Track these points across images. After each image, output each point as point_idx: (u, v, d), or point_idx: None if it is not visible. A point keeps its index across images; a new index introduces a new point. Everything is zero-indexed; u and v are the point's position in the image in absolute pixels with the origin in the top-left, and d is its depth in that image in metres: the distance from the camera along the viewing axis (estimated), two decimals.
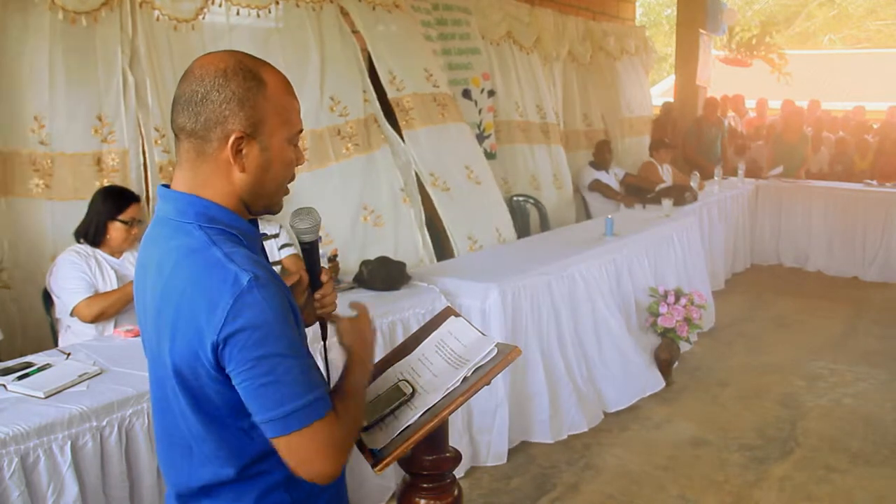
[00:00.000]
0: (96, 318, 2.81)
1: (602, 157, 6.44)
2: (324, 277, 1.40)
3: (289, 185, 1.27)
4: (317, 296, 1.39)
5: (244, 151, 1.16)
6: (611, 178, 6.41)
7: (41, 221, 3.22)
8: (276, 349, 1.10)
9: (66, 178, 3.23)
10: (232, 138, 1.14)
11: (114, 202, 2.92)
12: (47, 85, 3.19)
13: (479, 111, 5.60)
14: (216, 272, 1.10)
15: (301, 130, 1.23)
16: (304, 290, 1.38)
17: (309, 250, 1.38)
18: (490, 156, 5.66)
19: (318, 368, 1.19)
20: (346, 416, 1.19)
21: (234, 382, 1.12)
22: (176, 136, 1.20)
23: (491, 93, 5.71)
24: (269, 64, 1.20)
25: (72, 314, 2.83)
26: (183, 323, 1.12)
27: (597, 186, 6.32)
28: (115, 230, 2.92)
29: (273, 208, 1.26)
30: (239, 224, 1.20)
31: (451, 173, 4.64)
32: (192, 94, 1.14)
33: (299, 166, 1.27)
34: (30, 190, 3.19)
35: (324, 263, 3.15)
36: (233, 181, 1.18)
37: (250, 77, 1.15)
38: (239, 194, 1.19)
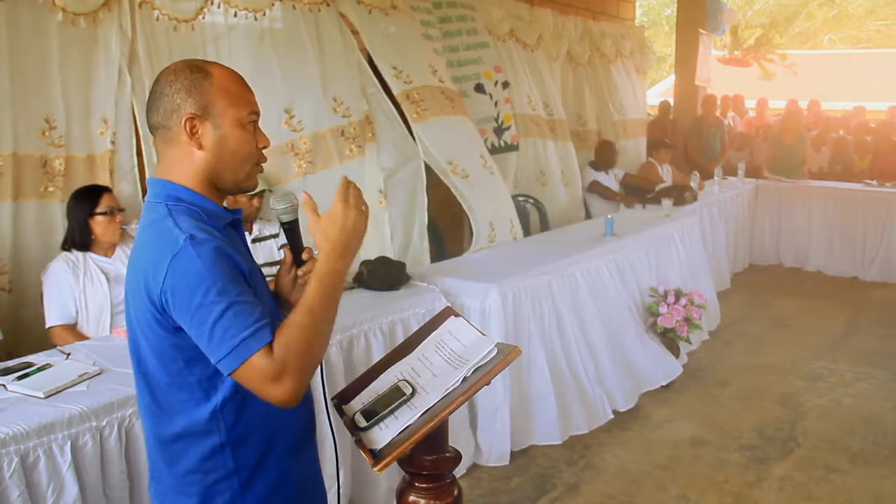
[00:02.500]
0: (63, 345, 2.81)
1: (603, 157, 6.40)
2: (305, 255, 1.50)
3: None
4: (299, 272, 1.51)
5: (199, 131, 1.33)
6: (610, 179, 6.39)
7: (53, 223, 3.22)
8: (210, 298, 1.22)
9: (79, 180, 3.23)
10: (184, 119, 1.32)
11: (86, 200, 2.94)
12: (58, 87, 3.18)
13: (496, 103, 5.52)
14: (163, 237, 1.27)
15: (254, 113, 1.37)
16: (289, 268, 1.50)
17: (289, 230, 1.49)
18: (511, 147, 5.61)
19: (259, 306, 1.26)
20: (283, 344, 1.24)
21: (187, 333, 1.26)
22: (151, 134, 1.39)
23: (506, 84, 5.64)
24: (218, 63, 1.39)
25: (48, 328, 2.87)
26: (139, 285, 1.29)
27: (595, 188, 6.30)
28: (99, 224, 2.93)
29: (243, 185, 1.40)
30: (203, 203, 1.35)
31: (468, 161, 4.57)
32: (154, 94, 1.36)
33: (266, 148, 1.41)
34: (41, 192, 3.19)
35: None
36: (195, 160, 1.34)
37: (196, 70, 1.34)
38: (203, 172, 1.35)
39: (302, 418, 1.46)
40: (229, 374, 1.25)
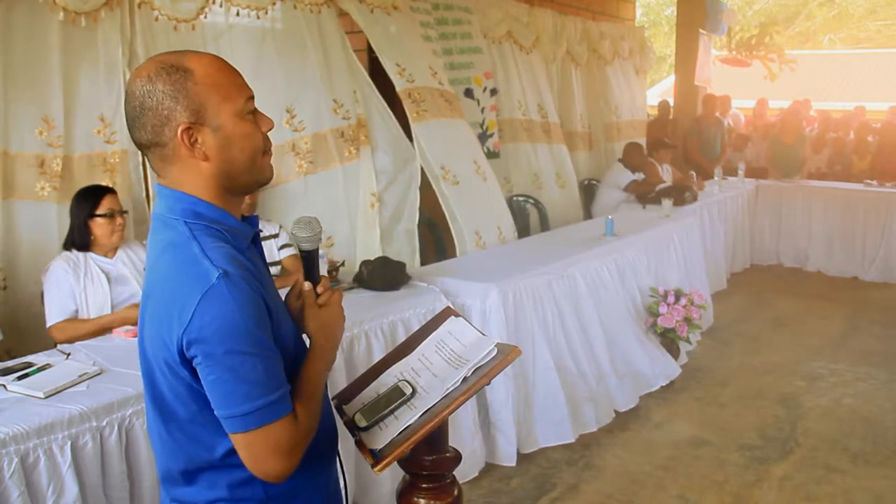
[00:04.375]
0: (66, 342, 2.78)
1: (633, 159, 6.32)
2: (320, 288, 1.36)
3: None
4: (319, 301, 1.37)
5: (199, 140, 1.18)
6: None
7: (48, 223, 3.21)
8: (241, 347, 1.12)
9: (74, 180, 3.23)
10: (179, 131, 1.16)
11: (87, 201, 2.90)
12: (56, 87, 3.18)
13: (482, 110, 5.58)
14: (190, 268, 1.14)
15: (251, 98, 1.22)
16: (297, 294, 1.36)
17: (307, 258, 1.38)
18: (493, 154, 5.65)
19: (282, 366, 1.19)
20: (305, 417, 1.21)
21: (200, 376, 1.15)
22: (142, 152, 1.24)
23: (493, 91, 5.69)
24: (193, 52, 1.21)
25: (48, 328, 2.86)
26: (158, 315, 1.16)
27: (633, 188, 6.23)
28: (98, 226, 2.89)
29: (261, 179, 1.27)
30: (225, 220, 1.22)
31: (461, 167, 4.59)
32: (132, 110, 1.18)
33: (271, 129, 1.26)
34: (37, 192, 3.19)
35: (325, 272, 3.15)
36: (203, 173, 1.20)
37: (173, 71, 1.16)
38: (216, 182, 1.21)
39: (330, 434, 1.41)
40: (234, 433, 1.15)
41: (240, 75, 1.23)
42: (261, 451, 1.16)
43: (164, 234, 1.20)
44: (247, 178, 1.24)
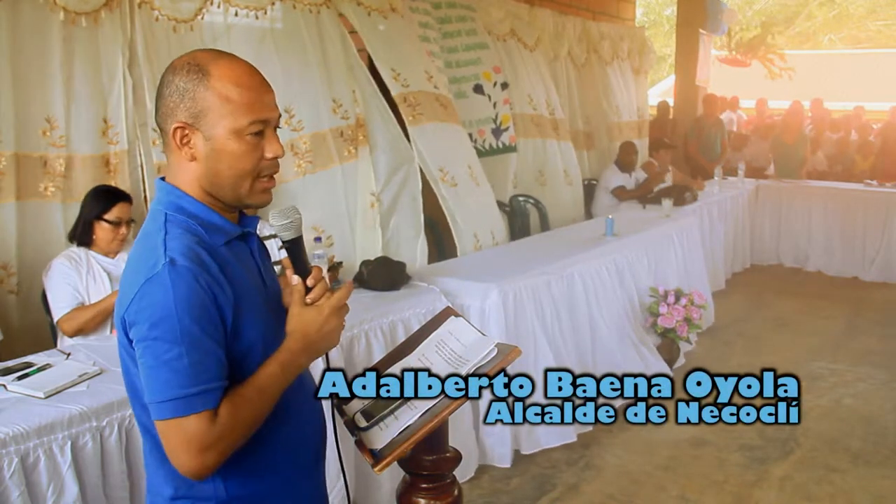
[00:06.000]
0: (76, 334, 2.79)
1: (628, 158, 6.35)
2: (310, 282, 1.29)
3: (277, 181, 1.28)
4: (308, 299, 1.28)
5: (191, 141, 1.20)
6: (631, 182, 6.40)
7: (54, 224, 3.20)
8: (170, 335, 1.11)
9: (79, 181, 3.22)
10: (172, 128, 1.20)
11: (100, 202, 2.89)
12: (59, 87, 3.17)
13: (494, 104, 5.55)
14: (146, 256, 1.17)
15: (259, 122, 1.20)
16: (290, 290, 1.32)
17: (291, 249, 1.30)
18: (510, 148, 5.64)
19: (219, 364, 1.15)
20: (229, 418, 1.15)
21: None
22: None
23: (504, 85, 5.66)
24: (229, 57, 1.22)
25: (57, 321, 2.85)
26: (118, 302, 1.21)
27: (619, 193, 6.23)
28: (102, 230, 2.89)
29: (247, 201, 1.25)
30: (206, 216, 1.23)
31: (457, 170, 4.60)
32: (157, 91, 1.24)
33: (279, 157, 1.24)
34: (42, 192, 3.18)
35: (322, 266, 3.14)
36: (190, 171, 1.22)
37: (194, 70, 1.19)
38: (199, 184, 1.23)
39: (314, 443, 1.40)
40: (154, 420, 1.14)
41: (263, 94, 1.21)
42: (173, 443, 1.14)
43: (146, 225, 1.24)
44: (230, 194, 1.23)
